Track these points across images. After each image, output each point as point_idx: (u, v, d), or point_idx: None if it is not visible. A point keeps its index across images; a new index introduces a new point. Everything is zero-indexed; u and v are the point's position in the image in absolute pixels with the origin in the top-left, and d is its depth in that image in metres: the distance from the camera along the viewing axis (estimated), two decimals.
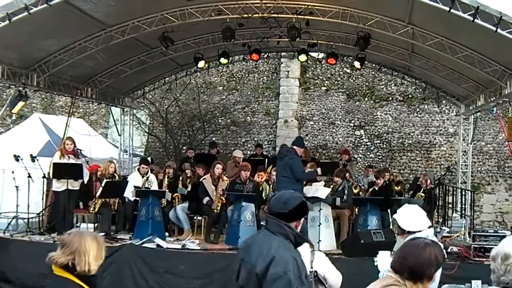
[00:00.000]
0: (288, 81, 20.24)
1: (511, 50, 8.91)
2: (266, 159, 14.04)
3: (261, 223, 10.76)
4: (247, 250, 3.49)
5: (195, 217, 11.57)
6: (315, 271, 4.63)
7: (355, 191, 11.85)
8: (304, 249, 4.87)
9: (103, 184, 10.59)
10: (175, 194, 11.61)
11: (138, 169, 11.86)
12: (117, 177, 11.62)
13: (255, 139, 19.93)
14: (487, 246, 9.16)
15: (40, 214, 11.18)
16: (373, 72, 19.20)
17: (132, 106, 16.44)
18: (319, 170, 10.75)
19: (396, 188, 12.56)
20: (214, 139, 18.96)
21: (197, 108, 20.14)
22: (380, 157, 19.52)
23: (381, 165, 18.32)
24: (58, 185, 10.46)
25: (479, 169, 18.55)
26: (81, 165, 10.64)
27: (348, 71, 20.18)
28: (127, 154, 16.09)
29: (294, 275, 3.23)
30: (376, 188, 11.36)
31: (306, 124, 20.12)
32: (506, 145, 17.81)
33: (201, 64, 13.85)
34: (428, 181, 12.43)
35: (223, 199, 10.88)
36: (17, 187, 10.62)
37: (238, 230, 10.12)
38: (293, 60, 18.60)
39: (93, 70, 13.17)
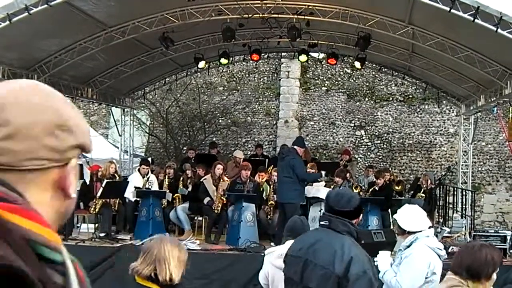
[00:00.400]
0: (289, 81, 20.24)
1: None
2: (267, 160, 14.05)
3: (262, 223, 10.80)
4: (311, 252, 3.46)
5: (195, 218, 11.56)
6: None
7: (356, 191, 11.82)
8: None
9: (103, 185, 10.60)
10: (176, 195, 11.61)
11: (139, 170, 11.86)
12: (117, 178, 11.62)
13: (256, 139, 19.92)
14: None
15: None
16: (373, 72, 19.18)
17: (132, 107, 16.45)
18: (323, 172, 10.71)
19: (396, 187, 12.55)
20: (214, 139, 18.95)
21: (198, 109, 20.14)
22: (380, 157, 19.52)
23: (382, 165, 18.30)
24: None
25: (479, 169, 18.55)
26: (82, 165, 10.64)
27: (349, 71, 20.17)
28: (127, 155, 16.10)
29: (372, 273, 3.31)
30: (376, 188, 11.35)
31: (306, 124, 20.12)
32: (507, 145, 17.81)
33: (201, 64, 13.85)
34: (429, 181, 12.42)
35: (224, 199, 10.88)
36: None
37: (238, 230, 10.12)
38: (293, 61, 18.58)
39: (93, 70, 13.18)
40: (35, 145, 0.98)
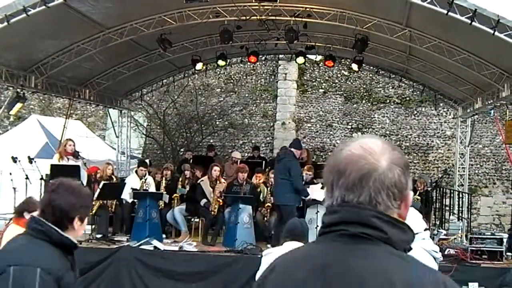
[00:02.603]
0: (286, 83, 20.25)
1: (509, 53, 8.93)
2: (264, 162, 14.03)
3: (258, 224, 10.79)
4: None
5: (192, 219, 11.56)
6: None
7: None
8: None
9: (100, 186, 10.58)
10: (175, 195, 11.60)
11: (136, 171, 11.84)
12: (114, 179, 11.60)
13: (253, 141, 19.93)
14: (484, 249, 9.19)
15: None
16: (370, 75, 19.22)
17: (130, 108, 16.44)
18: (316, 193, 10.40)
19: None
20: (211, 141, 18.98)
21: (195, 110, 20.14)
22: None
23: None
24: None
25: (476, 171, 18.57)
26: (79, 166, 10.62)
27: (346, 73, 20.20)
28: (124, 156, 16.08)
29: None
30: None
31: (303, 126, 20.13)
32: (503, 148, 17.84)
33: (199, 66, 13.85)
34: (424, 184, 12.40)
35: (221, 201, 10.87)
36: (14, 188, 10.61)
37: (235, 232, 10.10)
38: (291, 63, 18.62)
39: (91, 72, 13.17)
40: None
